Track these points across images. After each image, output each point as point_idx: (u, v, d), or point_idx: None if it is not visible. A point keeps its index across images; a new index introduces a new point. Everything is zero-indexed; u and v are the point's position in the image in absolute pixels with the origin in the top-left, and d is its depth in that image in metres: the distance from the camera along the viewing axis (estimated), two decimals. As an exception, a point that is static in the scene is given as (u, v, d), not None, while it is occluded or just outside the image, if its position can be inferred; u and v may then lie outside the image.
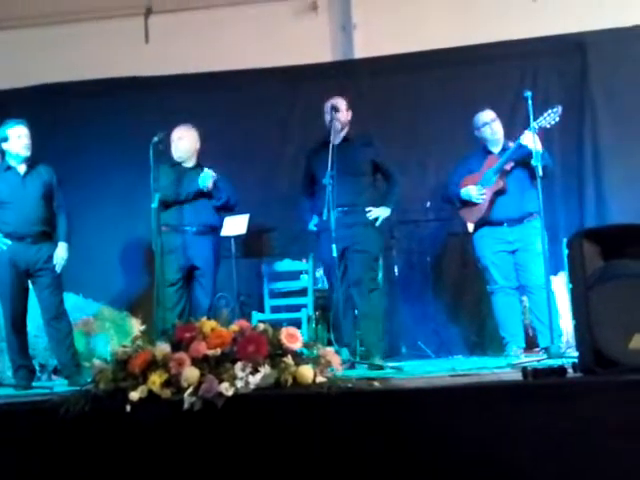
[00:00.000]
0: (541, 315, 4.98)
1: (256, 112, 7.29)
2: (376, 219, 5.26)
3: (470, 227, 6.41)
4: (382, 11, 7.83)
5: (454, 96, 7.09)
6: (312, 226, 5.41)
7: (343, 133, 5.26)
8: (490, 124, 5.32)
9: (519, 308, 5.38)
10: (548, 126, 5.07)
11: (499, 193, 5.20)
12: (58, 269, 5.14)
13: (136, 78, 7.65)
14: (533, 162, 4.91)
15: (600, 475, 2.57)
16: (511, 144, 5.24)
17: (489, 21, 7.46)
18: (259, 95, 7.38)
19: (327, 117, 5.24)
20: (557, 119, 5.04)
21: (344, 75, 7.44)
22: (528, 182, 5.16)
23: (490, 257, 5.29)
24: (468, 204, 5.34)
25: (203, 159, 5.64)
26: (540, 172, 4.71)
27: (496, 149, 5.33)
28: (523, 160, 5.09)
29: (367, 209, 5.25)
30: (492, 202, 5.22)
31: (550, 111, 5.06)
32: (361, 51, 7.87)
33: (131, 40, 8.08)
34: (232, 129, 7.07)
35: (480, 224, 5.35)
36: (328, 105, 5.27)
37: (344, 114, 5.28)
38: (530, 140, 4.92)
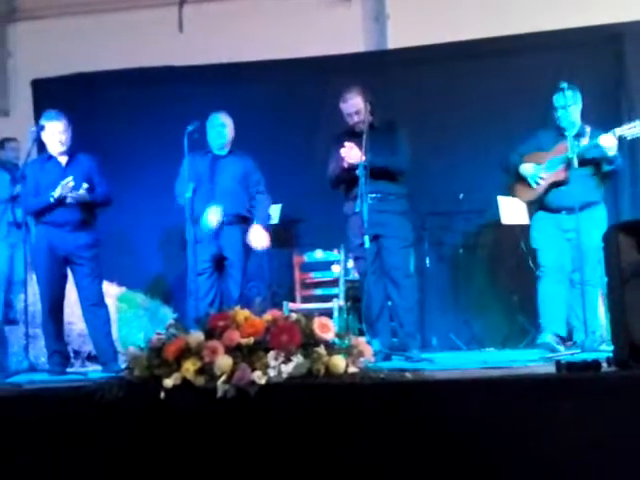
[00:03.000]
0: (582, 309, 4.79)
1: (288, 102, 7.31)
2: (405, 210, 5.24)
3: (505, 217, 6.41)
4: (415, 2, 7.80)
5: (487, 87, 7.06)
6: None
7: (368, 122, 5.18)
8: (569, 107, 5.07)
9: (564, 296, 5.12)
10: (628, 137, 4.92)
11: (558, 184, 5.00)
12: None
13: (170, 68, 7.69)
14: (606, 167, 4.96)
15: (634, 469, 2.56)
16: (588, 129, 5.02)
17: (523, 12, 7.40)
18: (292, 85, 7.41)
19: (350, 120, 5.23)
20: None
21: (377, 65, 7.43)
22: (590, 175, 5.01)
23: (545, 240, 5.12)
24: (524, 181, 5.16)
25: (236, 148, 5.63)
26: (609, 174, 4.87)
27: (571, 132, 5.05)
28: (593, 159, 4.95)
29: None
30: (548, 189, 5.06)
31: (636, 123, 4.90)
32: (394, 42, 7.86)
33: (166, 30, 8.13)
34: (264, 119, 7.08)
35: (537, 208, 5.21)
36: (350, 109, 5.21)
37: (362, 109, 5.19)
38: (608, 142, 4.83)
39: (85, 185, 5.04)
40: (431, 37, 7.43)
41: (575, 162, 4.80)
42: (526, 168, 5.11)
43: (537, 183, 5.07)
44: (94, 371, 5.10)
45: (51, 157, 5.27)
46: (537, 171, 5.07)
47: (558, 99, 5.08)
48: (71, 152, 5.29)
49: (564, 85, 4.98)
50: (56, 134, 5.18)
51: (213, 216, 5.34)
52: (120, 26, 8.08)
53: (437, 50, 7.38)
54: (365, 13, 8.08)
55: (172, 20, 8.24)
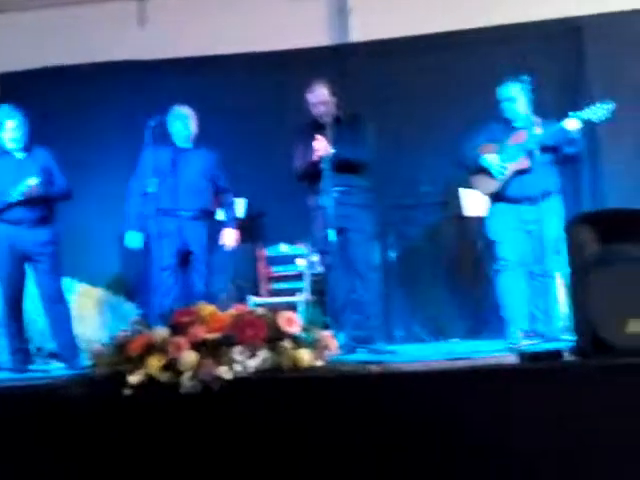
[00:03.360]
0: (543, 299, 4.89)
1: (252, 95, 7.27)
2: (370, 203, 5.25)
3: (467, 209, 6.45)
4: (375, -3, 7.84)
5: (449, 80, 7.08)
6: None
7: (333, 114, 5.19)
8: (516, 99, 5.09)
9: (526, 289, 5.12)
10: (595, 120, 4.93)
11: (521, 172, 4.99)
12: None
13: (132, 62, 7.63)
14: (567, 150, 4.96)
15: (596, 456, 2.60)
16: (536, 119, 5.00)
17: (485, 5, 7.46)
18: (255, 78, 7.38)
19: (315, 110, 5.22)
20: (607, 116, 4.90)
21: (340, 59, 7.44)
22: (549, 163, 5.01)
23: (503, 234, 5.09)
24: (485, 173, 5.14)
25: (199, 141, 5.61)
26: (571, 158, 4.96)
27: (518, 123, 5.12)
28: (554, 143, 4.96)
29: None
30: (510, 179, 5.05)
31: (601, 105, 4.91)
32: (357, 35, 7.88)
33: (127, 23, 8.07)
34: (228, 113, 7.05)
35: (495, 200, 5.18)
36: (316, 99, 5.22)
37: (330, 100, 5.21)
38: (573, 125, 4.85)
39: (36, 180, 4.99)
40: (394, 30, 7.46)
41: (539, 151, 4.86)
42: (490, 158, 5.08)
43: (502, 173, 5.04)
44: (57, 368, 5.06)
45: (6, 152, 5.21)
46: (502, 160, 5.05)
47: (502, 92, 5.14)
48: (28, 147, 5.24)
49: (509, 78, 5.10)
50: (9, 131, 5.14)
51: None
52: (83, 20, 8.01)
53: (400, 43, 7.39)
54: (329, 7, 8.08)
55: (133, 13, 8.19)
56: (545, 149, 4.95)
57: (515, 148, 5.02)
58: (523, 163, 4.99)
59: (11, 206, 5.03)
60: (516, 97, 5.10)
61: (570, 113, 4.91)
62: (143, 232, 5.36)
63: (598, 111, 4.89)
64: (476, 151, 5.17)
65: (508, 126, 5.16)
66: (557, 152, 5.02)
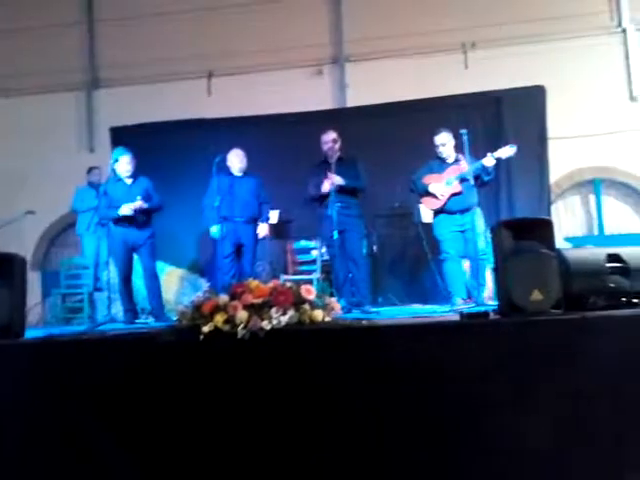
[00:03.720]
0: (477, 276, 4.87)
1: (282, 142, 7.29)
2: (360, 215, 5.23)
3: (424, 218, 6.39)
4: (365, 75, 7.86)
5: (412, 132, 7.05)
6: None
7: (338, 154, 5.21)
8: (445, 144, 5.07)
9: (463, 271, 5.17)
10: (503, 157, 4.90)
11: (455, 194, 4.97)
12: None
13: (202, 119, 7.66)
14: (485, 178, 4.94)
15: (510, 389, 2.59)
16: (461, 156, 4.96)
17: (437, 81, 7.46)
18: (284, 130, 7.39)
19: (327, 146, 5.21)
20: (512, 155, 4.89)
21: (340, 117, 7.44)
22: (472, 184, 4.92)
23: (446, 235, 5.04)
24: (430, 196, 5.08)
25: (250, 173, 5.59)
26: (487, 183, 4.96)
27: (449, 160, 5.08)
28: (476, 173, 4.91)
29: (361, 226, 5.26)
30: (448, 199, 5.00)
31: (508, 147, 4.89)
32: (351, 102, 7.89)
33: (199, 93, 8.11)
34: (267, 153, 7.03)
35: (438, 212, 5.10)
36: (328, 138, 5.23)
37: (338, 143, 5.24)
38: (489, 162, 4.84)
39: (138, 198, 5.05)
40: (376, 99, 7.48)
41: (471, 179, 4.84)
42: (434, 186, 5.04)
43: (442, 196, 5.01)
44: (154, 322, 5.07)
45: (120, 179, 5.21)
46: (442, 188, 5.01)
47: (438, 139, 5.10)
48: (135, 175, 5.25)
49: (441, 129, 5.09)
50: (124, 164, 5.17)
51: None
52: (169, 91, 8.04)
53: (379, 108, 7.41)
54: (332, 82, 8.09)
55: (204, 87, 8.21)
56: (467, 178, 4.93)
57: (452, 178, 4.99)
58: (457, 187, 4.97)
59: (119, 219, 5.09)
60: (447, 142, 5.08)
61: (488, 154, 4.89)
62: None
63: (506, 151, 4.87)
64: (420, 180, 5.13)
65: (441, 162, 5.12)
66: (478, 179, 4.95)
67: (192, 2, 8.18)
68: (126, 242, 5.13)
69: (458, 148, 5.05)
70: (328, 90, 8.08)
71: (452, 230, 5.02)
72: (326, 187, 5.04)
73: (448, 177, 5.02)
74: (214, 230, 5.36)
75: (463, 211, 4.92)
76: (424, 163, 5.27)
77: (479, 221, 4.94)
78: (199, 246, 7.03)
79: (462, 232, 4.98)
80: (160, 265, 6.00)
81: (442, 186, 5.04)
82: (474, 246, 4.75)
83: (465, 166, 4.92)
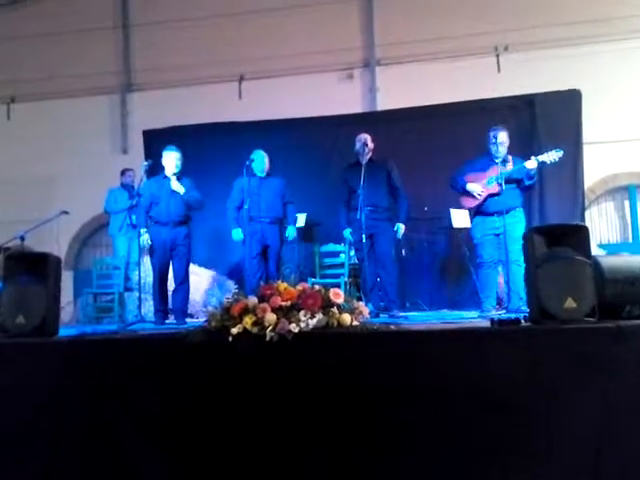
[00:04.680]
0: (511, 283, 4.74)
1: (313, 145, 7.33)
2: (390, 218, 5.17)
3: (455, 223, 6.36)
4: (396, 79, 7.86)
5: (441, 136, 7.06)
6: (347, 234, 5.25)
7: (368, 157, 5.17)
8: (502, 144, 4.90)
9: (496, 278, 5.00)
10: (548, 162, 4.76)
11: (493, 195, 4.83)
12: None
13: (233, 123, 7.74)
14: (527, 182, 4.80)
15: (546, 392, 2.55)
16: (510, 157, 4.87)
17: (469, 85, 7.41)
18: (315, 133, 7.43)
19: (358, 145, 5.17)
20: (556, 160, 4.75)
21: (371, 120, 7.43)
22: (514, 187, 4.85)
23: (480, 239, 4.91)
24: (468, 195, 4.94)
25: (275, 174, 5.52)
26: (529, 187, 4.85)
27: (498, 160, 4.87)
28: (517, 176, 4.80)
29: (394, 229, 5.17)
30: (486, 199, 4.86)
31: (554, 151, 4.73)
32: (381, 105, 7.88)
33: (230, 97, 8.19)
34: (298, 156, 7.07)
35: (475, 214, 5.00)
36: (361, 138, 5.20)
37: (370, 144, 5.20)
38: (531, 165, 4.70)
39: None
40: (407, 102, 7.45)
41: (503, 181, 4.76)
42: (473, 187, 4.90)
43: (480, 195, 4.87)
44: (188, 324, 5.04)
45: (166, 177, 5.17)
46: (480, 188, 4.88)
47: (494, 135, 4.92)
48: (179, 175, 5.21)
49: (501, 127, 4.93)
50: (173, 160, 5.13)
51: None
52: (200, 95, 8.14)
53: (411, 111, 7.40)
54: (363, 87, 8.10)
55: (235, 91, 8.29)
56: (511, 180, 4.82)
57: (492, 178, 4.85)
58: (495, 188, 4.82)
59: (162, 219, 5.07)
60: (505, 142, 4.92)
61: (532, 157, 4.75)
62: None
63: (551, 155, 4.73)
64: (463, 178, 4.99)
65: (489, 160, 4.95)
66: (520, 182, 4.84)
67: (224, 7, 8.28)
68: (165, 241, 5.06)
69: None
70: (358, 94, 8.10)
71: (487, 234, 4.88)
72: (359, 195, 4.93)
73: (490, 176, 4.87)
74: (236, 233, 5.33)
75: (500, 213, 4.75)
76: (471, 159, 5.12)
77: (519, 224, 4.79)
78: (228, 248, 7.08)
79: (497, 235, 4.83)
80: (195, 268, 6.07)
81: (481, 185, 4.89)
82: (510, 248, 4.64)
83: (511, 167, 4.83)
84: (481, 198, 4.89)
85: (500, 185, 4.79)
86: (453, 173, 5.12)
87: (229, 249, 6.86)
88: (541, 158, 4.73)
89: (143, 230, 5.13)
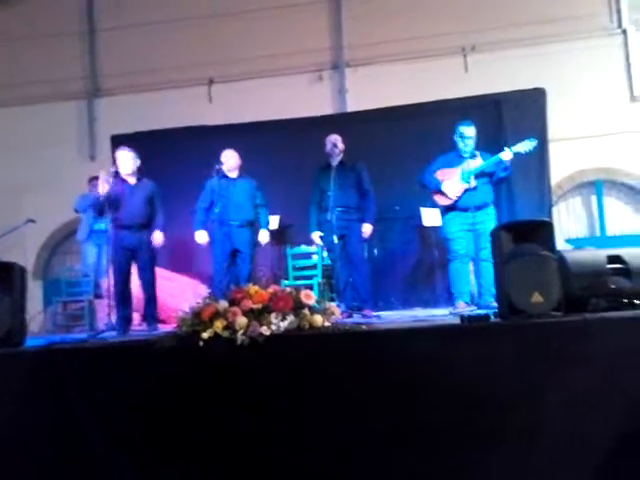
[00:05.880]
0: (482, 279, 4.76)
1: (284, 147, 7.31)
2: (361, 219, 5.16)
3: (425, 221, 6.40)
4: (365, 80, 7.88)
5: (410, 136, 7.11)
6: (315, 236, 5.22)
7: (339, 158, 5.18)
8: (470, 138, 4.86)
9: (468, 273, 4.95)
10: (523, 152, 4.70)
11: (469, 189, 4.77)
12: (156, 246, 4.96)
13: (203, 126, 7.70)
14: (501, 174, 4.75)
15: (511, 387, 2.58)
16: (477, 152, 4.82)
17: (437, 85, 7.48)
18: (286, 135, 7.41)
19: (329, 146, 5.15)
20: (531, 149, 4.70)
21: (340, 122, 7.45)
22: (487, 181, 4.84)
23: (455, 233, 4.84)
24: (441, 192, 4.88)
25: (245, 176, 5.42)
26: (502, 179, 4.83)
27: (466, 155, 4.86)
28: (491, 169, 4.78)
29: (362, 229, 5.12)
30: (461, 194, 4.81)
31: (527, 141, 4.67)
32: (351, 107, 7.91)
33: (200, 101, 8.14)
34: (269, 158, 7.04)
35: (449, 209, 4.92)
36: (331, 139, 5.19)
37: (340, 145, 5.20)
38: (507, 156, 4.66)
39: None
40: (376, 103, 7.49)
41: (473, 175, 4.74)
42: (447, 188, 4.85)
43: (455, 195, 4.81)
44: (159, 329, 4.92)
45: (124, 180, 4.95)
46: (454, 188, 4.83)
47: (460, 130, 4.90)
48: (139, 177, 5.04)
49: (468, 122, 4.92)
50: (127, 159, 4.95)
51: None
52: (170, 99, 8.07)
53: (380, 112, 7.43)
54: (332, 88, 8.10)
55: (205, 94, 8.23)
56: (484, 174, 4.81)
57: (467, 173, 4.81)
58: (472, 183, 4.78)
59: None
60: (473, 135, 4.89)
61: (505, 147, 4.71)
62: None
63: (525, 145, 4.69)
64: (432, 175, 4.94)
65: (457, 156, 4.92)
66: (493, 176, 4.82)
67: (191, 10, 8.21)
68: (125, 246, 4.87)
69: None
70: (328, 95, 8.10)
71: (462, 229, 4.83)
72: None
73: (463, 171, 4.83)
74: (199, 235, 5.20)
75: (476, 208, 4.71)
76: (439, 156, 5.07)
77: (490, 222, 4.77)
78: (200, 252, 7.02)
79: (473, 231, 4.77)
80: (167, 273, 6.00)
81: (456, 183, 4.83)
82: (481, 245, 4.65)
83: (480, 161, 4.80)
84: (457, 195, 4.83)
85: (478, 179, 4.77)
86: (423, 170, 5.09)
87: (201, 254, 6.81)
88: (515, 149, 4.69)
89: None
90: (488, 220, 4.80)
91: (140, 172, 5.11)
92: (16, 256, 6.14)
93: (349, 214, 5.09)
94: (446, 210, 4.98)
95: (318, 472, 2.61)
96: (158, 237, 4.96)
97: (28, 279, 3.33)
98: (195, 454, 2.68)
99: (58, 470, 2.70)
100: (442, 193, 4.91)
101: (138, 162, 5.05)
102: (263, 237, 5.34)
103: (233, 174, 5.33)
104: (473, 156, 4.87)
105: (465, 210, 4.80)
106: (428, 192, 5.13)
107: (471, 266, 5.12)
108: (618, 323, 2.62)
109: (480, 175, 4.81)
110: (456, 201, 4.86)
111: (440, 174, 4.95)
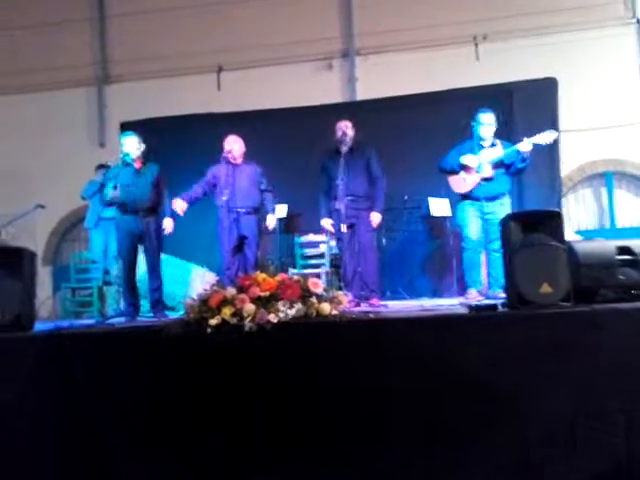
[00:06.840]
0: (492, 269, 4.73)
1: (292, 135, 7.29)
2: (370, 207, 5.10)
3: (433, 211, 6.37)
4: (375, 68, 7.83)
5: (420, 125, 7.07)
6: (326, 224, 5.13)
7: (349, 145, 5.13)
8: (489, 125, 4.78)
9: (481, 263, 4.90)
10: (543, 144, 4.57)
11: (485, 179, 4.70)
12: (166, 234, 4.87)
13: (211, 114, 7.68)
14: (519, 165, 4.66)
15: (518, 377, 2.58)
16: (498, 141, 4.76)
17: (448, 74, 7.42)
18: (295, 123, 7.39)
19: (339, 133, 5.09)
20: (551, 141, 4.60)
21: (350, 110, 7.40)
22: (504, 172, 4.76)
23: (469, 223, 4.80)
24: (458, 178, 4.79)
25: (249, 161, 5.31)
26: (521, 170, 4.72)
27: (485, 144, 4.78)
28: (510, 160, 4.68)
29: (370, 217, 5.02)
30: (478, 183, 4.73)
31: (548, 132, 4.56)
32: (361, 95, 7.86)
33: (209, 88, 8.12)
34: (279, 147, 7.03)
35: (463, 197, 4.85)
36: (341, 126, 5.12)
37: (350, 132, 5.12)
38: (525, 148, 4.55)
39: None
40: (386, 92, 7.45)
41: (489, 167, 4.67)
42: (467, 159, 4.74)
43: (480, 170, 4.69)
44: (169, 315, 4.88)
45: (129, 164, 4.83)
46: (474, 161, 4.71)
47: (480, 117, 4.80)
48: (144, 161, 4.94)
49: (487, 109, 4.82)
50: (134, 143, 4.86)
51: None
52: (179, 86, 8.06)
53: (390, 101, 7.40)
54: (342, 77, 8.06)
55: (214, 82, 8.21)
56: (501, 164, 4.73)
57: (484, 163, 4.72)
58: (488, 172, 4.72)
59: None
60: (490, 123, 4.81)
61: (524, 138, 4.60)
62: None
63: (546, 137, 4.57)
64: (456, 158, 4.85)
65: (477, 144, 4.81)
66: (511, 166, 4.74)
67: (201, -3, 8.19)
68: (131, 231, 4.78)
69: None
70: (338, 84, 8.06)
71: (474, 215, 4.78)
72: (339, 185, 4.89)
73: (481, 160, 4.74)
74: (177, 203, 5.04)
75: (490, 199, 4.66)
76: (458, 144, 4.98)
77: (505, 212, 4.59)
78: (209, 240, 7.02)
79: (484, 220, 4.72)
80: (187, 265, 6.00)
81: (474, 172, 4.76)
82: (488, 238, 4.61)
83: (501, 151, 4.73)
84: (474, 183, 4.76)
85: (495, 169, 4.71)
86: (444, 155, 5.00)
87: (210, 241, 6.81)
88: (534, 140, 4.58)
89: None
90: (502, 211, 4.68)
91: (145, 157, 5.02)
92: (26, 242, 6.25)
93: (358, 203, 5.03)
94: (461, 198, 4.92)
95: (325, 457, 2.62)
96: (168, 225, 4.87)
97: (38, 265, 3.34)
98: (201, 439, 2.69)
99: (65, 453, 2.72)
100: (464, 168, 4.80)
101: (143, 147, 4.97)
102: (270, 222, 5.23)
103: (238, 161, 5.23)
104: (493, 145, 4.81)
105: (479, 200, 4.73)
106: (444, 179, 5.02)
107: (483, 257, 5.06)
108: (627, 314, 2.61)
109: (499, 165, 4.74)
110: (472, 189, 4.79)
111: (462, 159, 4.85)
